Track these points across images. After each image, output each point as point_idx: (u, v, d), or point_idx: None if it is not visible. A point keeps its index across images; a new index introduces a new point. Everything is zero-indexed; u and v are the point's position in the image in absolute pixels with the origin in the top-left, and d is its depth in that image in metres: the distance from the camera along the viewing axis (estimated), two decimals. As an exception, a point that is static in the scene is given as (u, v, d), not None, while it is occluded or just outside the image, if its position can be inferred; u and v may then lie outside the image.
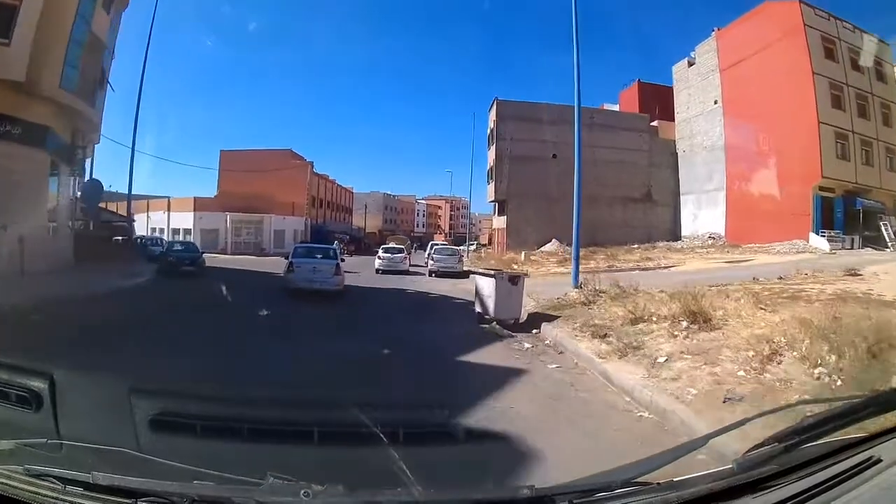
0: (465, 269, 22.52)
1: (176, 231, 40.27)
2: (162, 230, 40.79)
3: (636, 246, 29.88)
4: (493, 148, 35.88)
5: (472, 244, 49.39)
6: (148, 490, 1.09)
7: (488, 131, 37.25)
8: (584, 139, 35.93)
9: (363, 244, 51.83)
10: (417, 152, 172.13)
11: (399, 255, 23.20)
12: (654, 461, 1.28)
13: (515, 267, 21.69)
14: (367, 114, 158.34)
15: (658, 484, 1.16)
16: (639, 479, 1.19)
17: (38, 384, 2.33)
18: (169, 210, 41.03)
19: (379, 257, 22.65)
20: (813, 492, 1.15)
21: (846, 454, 1.28)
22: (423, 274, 23.34)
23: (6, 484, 1.11)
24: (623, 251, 27.26)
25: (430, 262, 22.69)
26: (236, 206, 38.22)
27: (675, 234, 36.13)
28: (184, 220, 39.37)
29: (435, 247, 26.32)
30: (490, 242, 56.93)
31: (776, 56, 28.94)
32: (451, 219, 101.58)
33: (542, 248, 31.13)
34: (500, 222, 37.32)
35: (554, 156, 34.81)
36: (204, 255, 17.62)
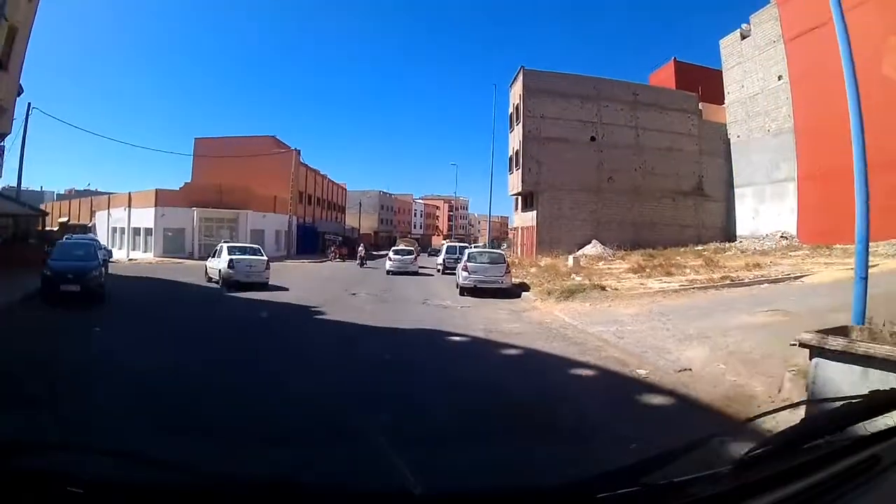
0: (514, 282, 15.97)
1: (137, 231, 34.26)
2: (123, 230, 35.08)
3: (701, 248, 24.34)
4: (517, 129, 29.88)
5: (476, 246, 43.14)
6: (148, 492, 1.09)
7: (511, 109, 31.22)
8: (628, 120, 30.41)
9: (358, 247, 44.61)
10: (415, 142, 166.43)
11: (409, 256, 24.14)
12: (652, 462, 1.20)
13: (579, 279, 15.95)
14: (363, 102, 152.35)
15: (657, 485, 1.13)
16: (638, 481, 1.14)
17: (40, 385, 2.51)
18: (130, 206, 34.82)
19: (390, 259, 23.80)
20: (813, 492, 1.16)
21: (846, 454, 1.27)
22: (433, 275, 22.45)
23: (3, 484, 1.07)
24: (691, 254, 21.72)
25: (463, 273, 15.15)
26: (208, 201, 31.86)
27: (727, 234, 30.74)
28: (147, 217, 33.10)
29: (469, 252, 17.51)
30: (504, 244, 51.26)
31: (861, 20, 23.80)
32: (449, 219, 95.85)
33: (583, 251, 25.44)
34: (525, 219, 31.44)
35: (592, 138, 29.17)
36: (109, 262, 11.66)
